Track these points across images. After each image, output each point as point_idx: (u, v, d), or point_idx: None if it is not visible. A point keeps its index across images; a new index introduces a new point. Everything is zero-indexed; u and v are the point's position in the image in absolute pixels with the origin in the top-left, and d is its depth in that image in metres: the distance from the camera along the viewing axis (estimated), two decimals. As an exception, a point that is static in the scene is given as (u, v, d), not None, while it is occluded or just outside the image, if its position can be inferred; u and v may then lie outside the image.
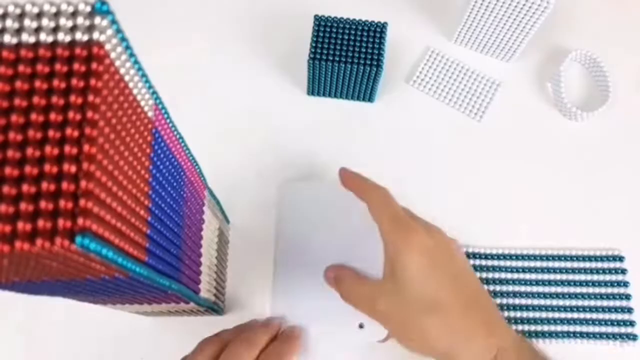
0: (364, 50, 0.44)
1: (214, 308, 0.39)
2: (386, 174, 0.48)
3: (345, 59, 0.44)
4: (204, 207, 0.37)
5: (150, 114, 0.24)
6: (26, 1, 0.19)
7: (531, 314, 0.43)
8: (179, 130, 0.29)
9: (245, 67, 0.51)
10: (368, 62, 0.44)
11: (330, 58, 0.44)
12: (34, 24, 0.19)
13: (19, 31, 0.19)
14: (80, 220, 0.17)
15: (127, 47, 0.20)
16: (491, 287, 0.44)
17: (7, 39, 0.19)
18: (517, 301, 0.44)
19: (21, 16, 0.19)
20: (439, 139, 0.49)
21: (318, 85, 0.48)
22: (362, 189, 0.37)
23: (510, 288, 0.44)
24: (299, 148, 0.48)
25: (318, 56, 0.44)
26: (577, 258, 0.45)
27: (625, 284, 0.44)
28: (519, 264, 0.45)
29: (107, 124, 0.19)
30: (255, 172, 0.47)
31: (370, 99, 0.50)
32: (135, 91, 0.22)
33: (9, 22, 0.19)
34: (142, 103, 0.23)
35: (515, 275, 0.45)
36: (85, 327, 0.43)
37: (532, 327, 0.43)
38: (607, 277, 0.45)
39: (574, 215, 0.47)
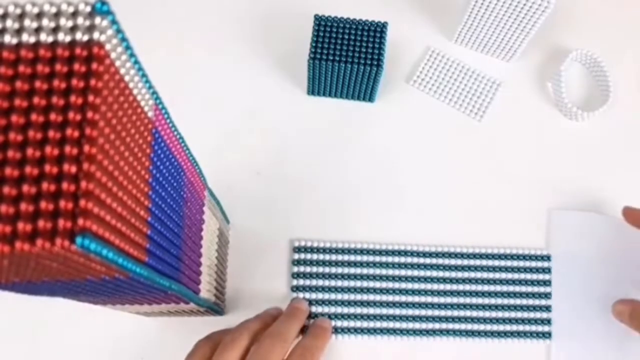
0: (364, 50, 0.44)
1: (214, 308, 0.39)
2: (386, 174, 0.48)
3: (346, 59, 0.44)
4: (204, 207, 0.37)
5: (150, 114, 0.24)
6: (26, 1, 0.19)
7: (455, 313, 0.44)
8: (179, 130, 0.29)
9: (245, 67, 0.51)
10: (368, 62, 0.44)
11: (330, 58, 0.44)
12: (34, 24, 0.19)
13: (19, 31, 0.19)
14: (80, 221, 0.17)
15: (128, 48, 0.20)
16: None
17: (7, 39, 0.19)
18: (441, 300, 0.44)
19: (21, 16, 0.19)
20: (439, 139, 0.49)
21: (318, 85, 0.48)
22: None
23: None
24: (299, 148, 0.48)
25: (318, 56, 0.44)
26: (505, 257, 0.45)
27: (548, 283, 0.45)
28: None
29: (107, 124, 0.19)
30: (255, 172, 0.47)
31: (370, 99, 0.50)
32: (135, 91, 0.22)
33: (9, 22, 0.19)
34: (142, 103, 0.23)
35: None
36: (85, 327, 0.43)
37: (457, 326, 0.44)
38: (533, 276, 0.45)
39: (574, 215, 0.47)
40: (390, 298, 0.44)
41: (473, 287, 0.44)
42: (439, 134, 0.49)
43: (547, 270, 0.45)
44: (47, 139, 0.18)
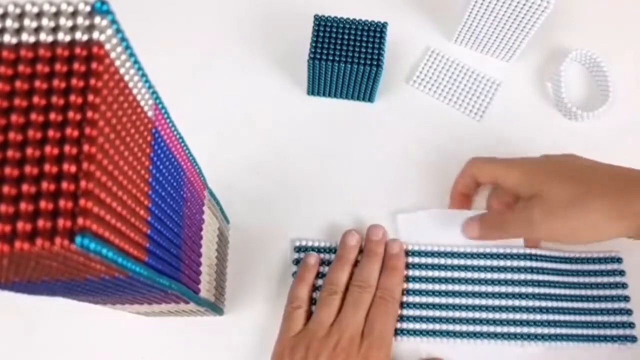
0: (364, 50, 0.44)
1: (214, 308, 0.39)
2: (386, 174, 0.48)
3: (345, 59, 0.44)
4: (204, 207, 0.37)
5: (150, 113, 0.24)
6: (26, 1, 0.19)
7: (531, 316, 0.43)
8: (179, 130, 0.29)
9: (245, 67, 0.51)
10: (368, 62, 0.44)
11: (330, 58, 0.44)
12: (34, 24, 0.19)
13: (18, 31, 0.19)
14: (80, 220, 0.17)
15: (127, 47, 0.20)
16: (490, 289, 0.44)
17: (7, 38, 0.19)
18: (515, 303, 0.43)
19: (21, 16, 0.19)
20: (439, 139, 0.49)
21: (318, 85, 0.48)
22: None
23: (510, 289, 0.44)
24: (299, 148, 0.48)
25: (318, 56, 0.44)
26: (575, 260, 0.45)
27: (624, 286, 0.44)
28: (514, 263, 0.45)
29: (107, 123, 0.19)
30: (255, 172, 0.47)
31: (370, 99, 0.50)
32: (135, 91, 0.22)
33: (8, 22, 0.19)
34: (142, 103, 0.23)
35: (516, 276, 0.44)
36: (85, 327, 0.43)
37: (531, 330, 0.43)
38: (605, 279, 0.44)
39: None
40: None
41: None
42: (439, 134, 0.49)
43: (620, 273, 0.44)
44: (46, 139, 0.18)
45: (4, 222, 0.17)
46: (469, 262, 0.45)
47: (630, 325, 0.43)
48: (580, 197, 0.37)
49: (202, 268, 0.36)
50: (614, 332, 0.43)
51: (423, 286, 0.44)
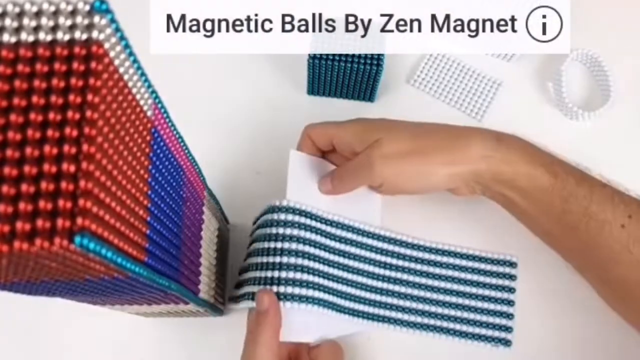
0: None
1: (214, 309, 0.39)
2: (386, 173, 0.48)
3: (345, 59, 0.44)
4: (204, 207, 0.37)
5: (149, 113, 0.24)
6: (25, 0, 0.19)
7: (414, 305, 0.43)
8: (178, 130, 0.28)
9: (245, 66, 0.51)
10: (368, 61, 0.44)
11: (330, 57, 0.44)
12: (33, 23, 0.19)
13: (18, 30, 0.19)
14: (79, 220, 0.17)
15: (126, 46, 0.20)
16: (377, 270, 0.43)
17: (6, 37, 0.19)
18: (402, 290, 0.44)
19: (20, 15, 0.19)
20: (440, 139, 0.49)
21: (318, 85, 0.48)
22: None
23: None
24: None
25: (318, 56, 0.44)
26: (472, 257, 0.45)
27: (511, 290, 0.44)
28: (408, 252, 0.45)
29: (106, 123, 0.19)
30: (255, 172, 0.47)
31: (370, 98, 0.50)
32: (134, 90, 0.22)
33: (7, 21, 0.19)
34: (142, 102, 0.23)
35: (408, 264, 0.44)
36: (84, 328, 0.43)
37: (410, 317, 0.43)
38: (494, 281, 0.45)
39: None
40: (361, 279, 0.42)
41: (442, 284, 0.44)
42: (439, 134, 0.49)
43: (511, 277, 0.45)
44: (46, 138, 0.17)
45: (3, 222, 0.16)
46: (358, 238, 0.43)
47: (508, 329, 0.43)
48: (418, 146, 0.39)
49: (202, 268, 0.36)
50: (490, 332, 0.43)
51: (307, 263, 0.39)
